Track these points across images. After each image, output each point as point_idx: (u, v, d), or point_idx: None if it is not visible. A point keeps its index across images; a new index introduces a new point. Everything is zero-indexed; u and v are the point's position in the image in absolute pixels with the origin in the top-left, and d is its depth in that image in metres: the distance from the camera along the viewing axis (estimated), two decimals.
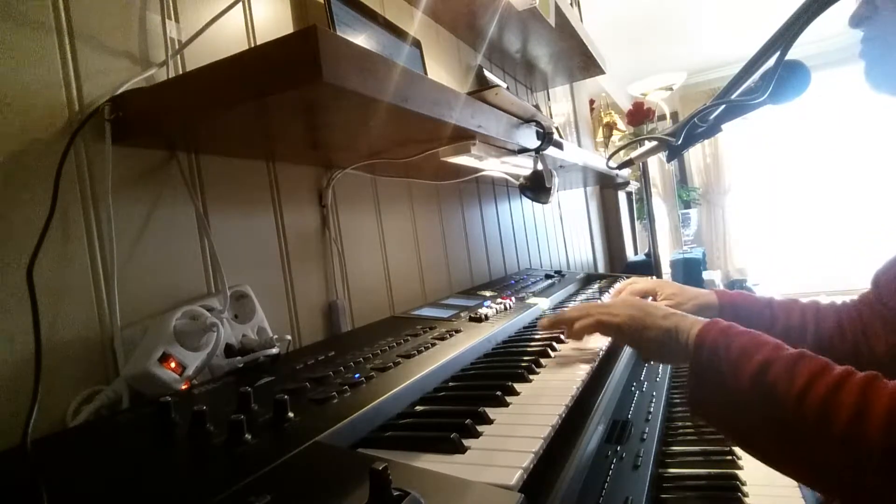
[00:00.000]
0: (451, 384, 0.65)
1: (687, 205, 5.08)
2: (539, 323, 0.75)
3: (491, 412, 0.52)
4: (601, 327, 0.71)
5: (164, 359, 0.56)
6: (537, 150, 1.03)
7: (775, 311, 0.94)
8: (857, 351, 0.85)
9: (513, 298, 1.09)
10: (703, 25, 3.97)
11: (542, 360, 0.72)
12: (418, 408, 0.56)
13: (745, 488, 0.87)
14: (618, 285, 1.19)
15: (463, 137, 0.83)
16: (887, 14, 0.61)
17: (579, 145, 2.69)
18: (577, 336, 0.77)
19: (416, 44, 1.18)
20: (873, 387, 0.47)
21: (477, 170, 1.11)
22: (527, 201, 1.92)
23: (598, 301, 0.90)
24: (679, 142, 0.93)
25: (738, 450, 0.96)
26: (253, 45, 0.81)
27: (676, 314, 0.68)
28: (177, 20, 0.70)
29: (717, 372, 0.57)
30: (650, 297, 1.11)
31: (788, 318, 0.92)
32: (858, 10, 0.64)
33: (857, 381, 0.48)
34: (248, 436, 0.42)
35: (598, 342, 0.80)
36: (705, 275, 3.34)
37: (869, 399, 0.46)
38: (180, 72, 0.70)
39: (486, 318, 0.91)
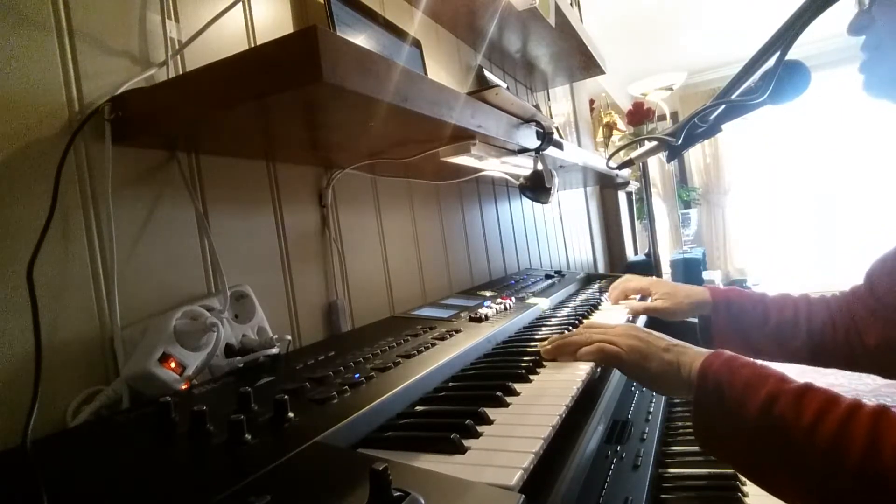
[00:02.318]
0: (451, 384, 0.65)
1: (687, 205, 5.08)
2: (543, 352, 0.74)
3: (491, 412, 0.52)
4: (603, 356, 0.70)
5: (164, 359, 0.56)
6: (537, 150, 1.03)
7: (768, 307, 0.94)
8: (849, 343, 0.86)
9: (513, 298, 1.09)
10: (703, 25, 3.97)
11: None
12: (418, 408, 0.56)
13: (745, 488, 0.87)
14: (614, 284, 1.19)
15: (463, 137, 0.83)
16: (882, 23, 0.62)
17: (579, 145, 2.69)
18: (578, 359, 0.74)
19: (416, 44, 1.18)
20: (884, 418, 0.47)
21: (477, 170, 1.11)
22: (527, 201, 1.92)
23: (598, 321, 0.89)
24: (679, 142, 0.93)
25: None
26: (253, 45, 0.81)
27: (678, 346, 0.67)
28: (177, 20, 0.70)
29: (722, 407, 0.57)
30: (644, 296, 1.12)
31: (781, 313, 0.92)
32: (856, 20, 0.65)
33: (868, 412, 0.48)
34: (248, 436, 0.42)
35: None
36: (705, 275, 3.34)
37: (881, 431, 0.46)
38: (180, 72, 0.70)
39: (486, 318, 0.91)
